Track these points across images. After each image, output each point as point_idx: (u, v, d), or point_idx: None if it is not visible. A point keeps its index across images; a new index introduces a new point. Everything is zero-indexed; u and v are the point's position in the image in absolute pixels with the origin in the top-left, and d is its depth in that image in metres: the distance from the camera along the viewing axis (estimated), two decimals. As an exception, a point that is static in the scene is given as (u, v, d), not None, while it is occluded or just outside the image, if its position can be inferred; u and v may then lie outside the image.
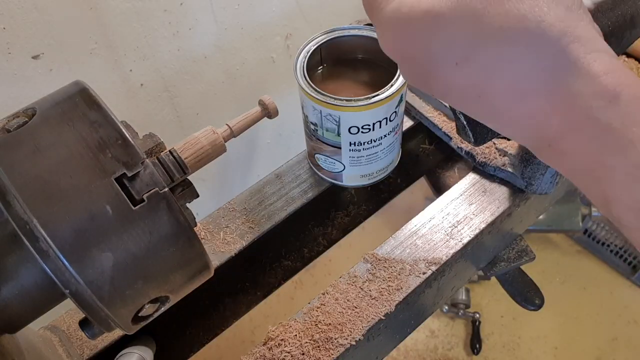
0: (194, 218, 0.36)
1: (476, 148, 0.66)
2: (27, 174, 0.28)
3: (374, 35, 0.61)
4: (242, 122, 0.45)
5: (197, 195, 0.36)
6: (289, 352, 0.52)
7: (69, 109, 0.30)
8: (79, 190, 0.28)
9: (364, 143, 0.58)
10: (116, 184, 0.29)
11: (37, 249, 0.27)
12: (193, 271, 0.33)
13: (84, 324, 0.34)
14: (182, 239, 0.31)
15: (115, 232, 0.29)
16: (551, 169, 0.59)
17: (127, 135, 0.30)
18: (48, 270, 0.28)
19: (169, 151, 0.35)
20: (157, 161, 0.34)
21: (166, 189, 0.30)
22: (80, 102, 0.30)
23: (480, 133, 0.46)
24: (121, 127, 0.30)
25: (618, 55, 0.49)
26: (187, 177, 0.37)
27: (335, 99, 0.55)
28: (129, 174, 0.29)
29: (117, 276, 0.29)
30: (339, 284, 0.57)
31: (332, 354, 0.52)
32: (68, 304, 0.37)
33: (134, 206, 0.29)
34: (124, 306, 0.31)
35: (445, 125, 0.70)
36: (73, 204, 0.28)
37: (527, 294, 0.84)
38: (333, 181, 0.65)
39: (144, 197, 0.30)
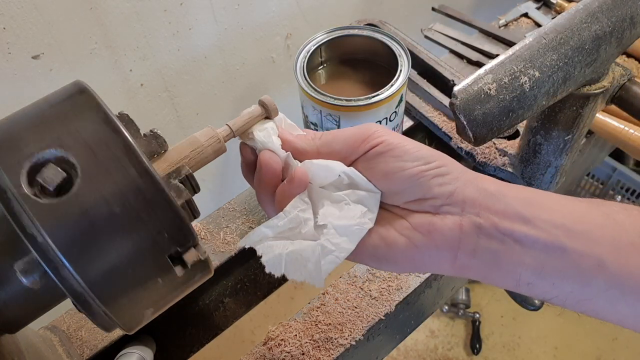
0: (198, 211, 0.35)
1: (476, 148, 0.66)
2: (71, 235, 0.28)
3: (374, 35, 0.61)
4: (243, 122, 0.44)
5: (198, 189, 0.36)
6: (289, 352, 0.52)
7: (115, 172, 0.29)
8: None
9: (364, 143, 0.58)
10: (168, 260, 0.31)
11: (36, 248, 0.27)
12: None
13: None
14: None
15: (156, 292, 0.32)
16: (551, 169, 0.59)
17: (183, 215, 0.31)
18: (49, 270, 0.28)
19: (186, 176, 0.35)
20: (185, 204, 0.33)
21: (206, 255, 0.33)
22: (119, 151, 0.29)
23: (480, 133, 0.46)
24: (178, 208, 0.30)
25: (618, 55, 0.49)
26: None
27: (335, 99, 0.55)
28: (180, 250, 0.31)
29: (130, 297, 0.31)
30: (339, 284, 0.57)
31: (332, 354, 0.52)
32: (68, 304, 0.37)
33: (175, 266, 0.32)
34: (129, 314, 0.31)
35: (445, 125, 0.70)
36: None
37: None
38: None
39: (187, 263, 0.32)
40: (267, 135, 0.38)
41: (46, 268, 0.28)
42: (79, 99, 0.31)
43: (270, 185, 0.38)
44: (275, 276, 0.35)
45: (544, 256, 0.33)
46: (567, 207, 0.34)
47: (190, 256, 0.31)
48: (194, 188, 0.35)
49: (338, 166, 0.37)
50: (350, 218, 0.35)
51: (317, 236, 0.36)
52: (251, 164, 0.39)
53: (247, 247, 0.36)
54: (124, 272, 0.29)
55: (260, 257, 0.35)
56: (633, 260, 0.32)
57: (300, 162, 0.38)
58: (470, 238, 0.34)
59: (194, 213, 0.34)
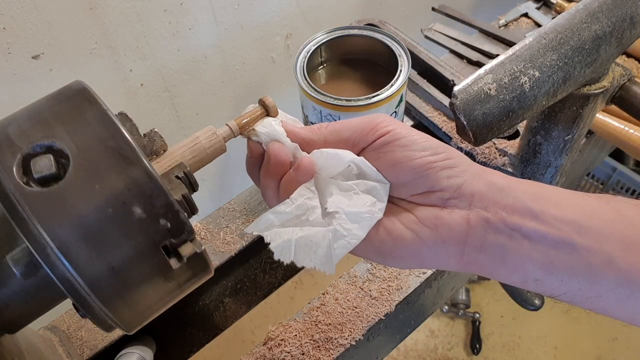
0: (196, 207, 0.35)
1: (476, 148, 0.66)
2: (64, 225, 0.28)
3: (374, 35, 0.61)
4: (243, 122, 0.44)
5: (197, 187, 0.36)
6: (289, 352, 0.52)
7: (107, 169, 0.29)
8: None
9: (364, 143, 0.58)
10: (162, 252, 0.30)
11: (36, 248, 0.27)
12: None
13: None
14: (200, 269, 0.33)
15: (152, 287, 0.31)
16: (551, 169, 0.59)
17: (177, 207, 0.30)
18: (48, 270, 0.28)
19: (184, 173, 0.35)
20: (182, 199, 0.33)
21: (202, 248, 0.32)
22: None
23: (480, 133, 0.46)
24: (169, 195, 0.30)
25: (618, 55, 0.49)
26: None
27: (335, 99, 0.55)
28: (175, 241, 0.30)
29: (132, 298, 0.30)
30: (339, 284, 0.57)
31: (332, 354, 0.52)
32: (68, 304, 0.37)
33: (170, 259, 0.31)
34: (130, 315, 0.31)
35: (445, 125, 0.70)
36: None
37: (527, 294, 0.84)
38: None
39: (183, 256, 0.31)
40: (269, 125, 0.38)
41: (38, 258, 0.28)
42: (78, 96, 0.31)
43: (277, 177, 0.37)
44: (284, 263, 0.35)
45: (553, 252, 0.32)
46: (577, 203, 0.34)
47: (185, 249, 0.31)
48: (192, 185, 0.35)
49: (347, 155, 0.36)
50: (361, 206, 0.35)
51: (325, 224, 0.35)
52: (258, 157, 0.39)
53: (254, 233, 0.36)
54: (116, 258, 0.29)
55: (268, 244, 0.35)
56: None
57: (309, 153, 0.37)
58: (478, 232, 0.33)
59: (192, 209, 0.34)
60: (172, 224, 0.30)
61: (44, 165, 0.28)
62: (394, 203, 0.37)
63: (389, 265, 0.38)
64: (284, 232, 0.35)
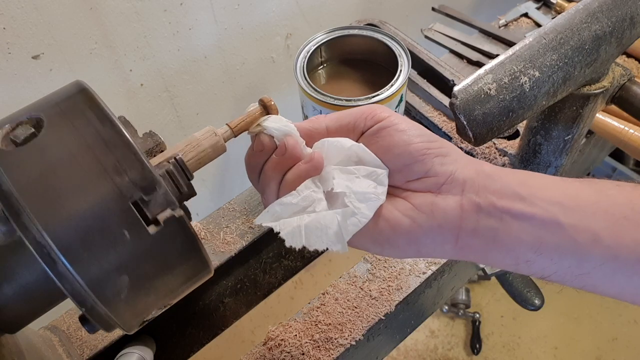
0: (189, 212, 0.35)
1: (476, 148, 0.66)
2: (33, 181, 0.28)
3: (374, 35, 0.61)
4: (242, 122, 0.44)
5: (195, 194, 0.36)
6: (289, 352, 0.52)
7: (80, 125, 0.30)
8: (88, 207, 0.28)
9: (364, 143, 0.58)
10: (133, 208, 0.29)
11: (38, 251, 0.27)
12: (193, 271, 0.33)
13: (84, 318, 0.34)
14: (193, 256, 0.32)
15: (129, 253, 0.29)
16: (551, 169, 0.59)
17: (144, 159, 0.30)
18: (49, 270, 0.28)
19: (175, 159, 0.35)
20: (166, 174, 0.33)
21: (182, 213, 0.31)
22: (90, 114, 0.30)
23: (480, 133, 0.46)
24: (137, 149, 0.30)
25: (618, 55, 0.49)
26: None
27: (335, 98, 0.55)
28: (146, 198, 0.29)
29: (129, 295, 0.30)
30: (339, 284, 0.57)
31: (332, 354, 0.52)
32: (68, 304, 0.37)
33: (148, 226, 0.30)
34: (129, 314, 0.31)
35: (445, 125, 0.70)
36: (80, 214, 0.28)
37: (527, 294, 0.84)
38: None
39: (160, 220, 0.30)
40: (279, 120, 0.38)
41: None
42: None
43: (283, 171, 0.38)
44: (296, 249, 0.35)
45: (542, 232, 0.34)
46: (562, 186, 0.35)
47: (162, 215, 0.30)
48: (184, 170, 0.35)
49: (348, 141, 0.37)
50: (366, 187, 0.36)
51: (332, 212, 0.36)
52: (269, 151, 0.39)
53: (263, 224, 0.36)
54: (87, 219, 0.28)
55: (278, 233, 0.35)
56: (627, 233, 0.33)
57: (310, 146, 0.38)
58: (471, 217, 0.35)
59: (179, 188, 0.34)
60: (139, 176, 0.29)
61: (21, 131, 0.30)
62: (389, 192, 0.38)
63: (386, 255, 0.38)
64: (293, 220, 0.36)
